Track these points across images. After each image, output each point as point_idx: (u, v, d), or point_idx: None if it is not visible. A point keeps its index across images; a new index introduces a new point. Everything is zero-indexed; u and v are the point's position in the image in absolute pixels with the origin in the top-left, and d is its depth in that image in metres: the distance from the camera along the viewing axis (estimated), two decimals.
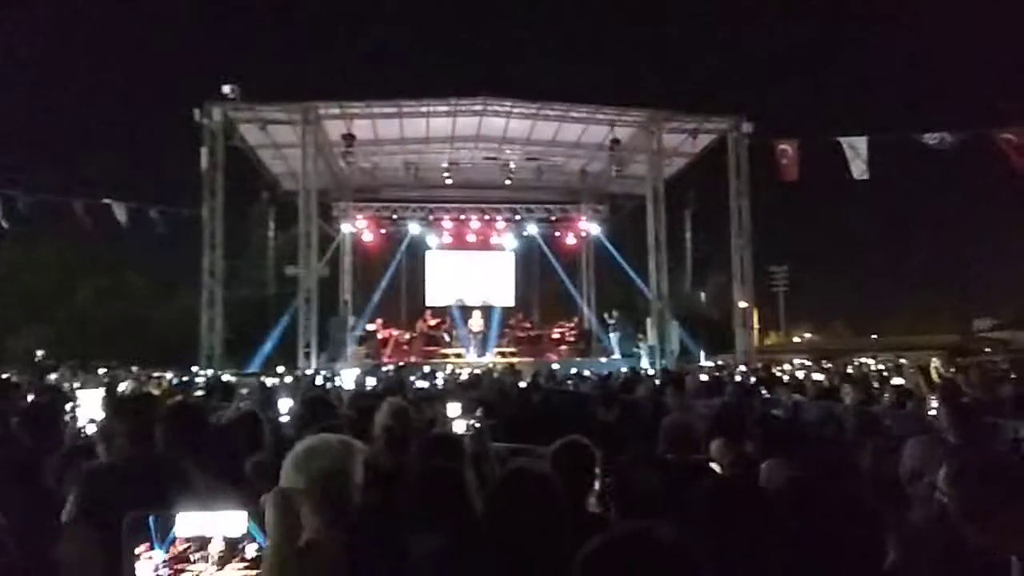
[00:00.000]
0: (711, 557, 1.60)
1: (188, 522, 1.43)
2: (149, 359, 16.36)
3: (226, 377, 13.02)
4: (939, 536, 2.08)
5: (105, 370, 14.24)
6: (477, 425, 4.39)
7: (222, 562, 1.42)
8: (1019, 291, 31.64)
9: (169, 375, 12.62)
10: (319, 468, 2.00)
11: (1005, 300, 31.04)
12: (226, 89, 18.81)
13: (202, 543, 1.43)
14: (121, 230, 19.55)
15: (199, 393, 8.77)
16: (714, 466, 3.77)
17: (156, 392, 8.40)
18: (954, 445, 2.49)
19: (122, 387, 8.42)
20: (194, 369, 14.98)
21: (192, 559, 1.43)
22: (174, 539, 1.42)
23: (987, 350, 20.80)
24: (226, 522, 1.44)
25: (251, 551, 1.43)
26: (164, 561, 1.40)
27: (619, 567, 1.38)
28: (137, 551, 1.40)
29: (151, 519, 1.42)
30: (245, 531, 1.41)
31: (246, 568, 1.41)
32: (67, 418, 3.98)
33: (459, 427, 4.64)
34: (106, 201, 18.81)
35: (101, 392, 3.66)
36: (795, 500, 2.48)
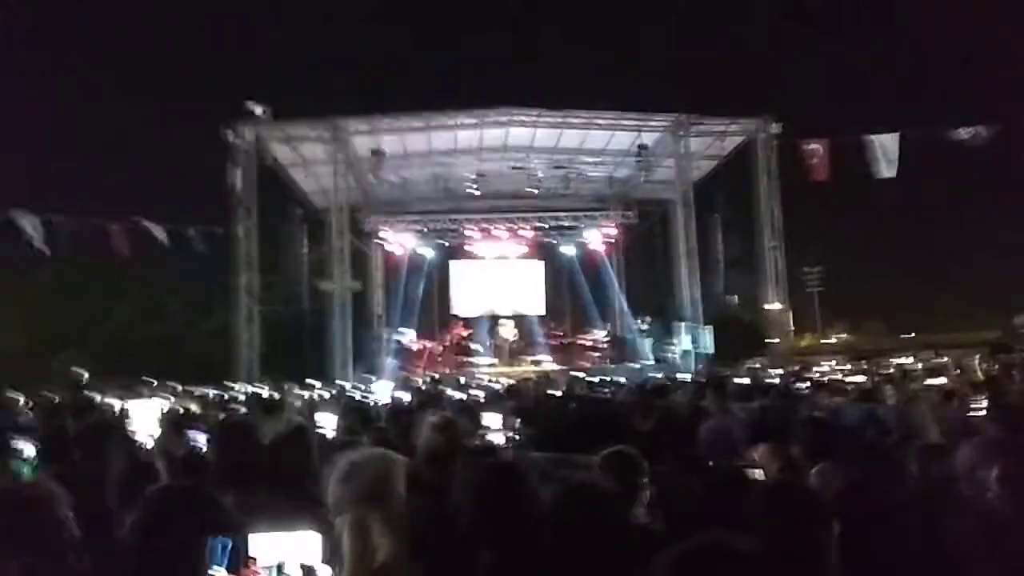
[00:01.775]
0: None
1: (262, 544, 1.46)
2: (186, 378, 16.62)
3: (264, 392, 13.20)
4: (991, 537, 2.06)
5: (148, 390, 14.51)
6: (516, 437, 4.42)
7: None
8: None
9: (210, 392, 12.82)
10: (363, 482, 2.04)
11: None
12: (256, 108, 19.15)
13: (277, 565, 1.46)
14: (156, 251, 19.95)
15: (241, 409, 8.92)
16: (758, 472, 3.76)
17: (197, 409, 8.57)
18: (1007, 446, 2.47)
19: (165, 405, 8.59)
20: (234, 385, 15.19)
21: None
22: (242, 561, 1.46)
23: None
24: (300, 542, 1.48)
25: (325, 573, 1.47)
26: None
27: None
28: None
29: (221, 541, 1.45)
30: (320, 551, 1.45)
31: None
32: (122, 436, 4.11)
33: (498, 438, 4.68)
34: (146, 223, 19.20)
35: (156, 408, 3.78)
36: (854, 507, 2.47)
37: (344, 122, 19.59)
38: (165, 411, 5.37)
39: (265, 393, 12.10)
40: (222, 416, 7.25)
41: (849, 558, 2.20)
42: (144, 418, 4.02)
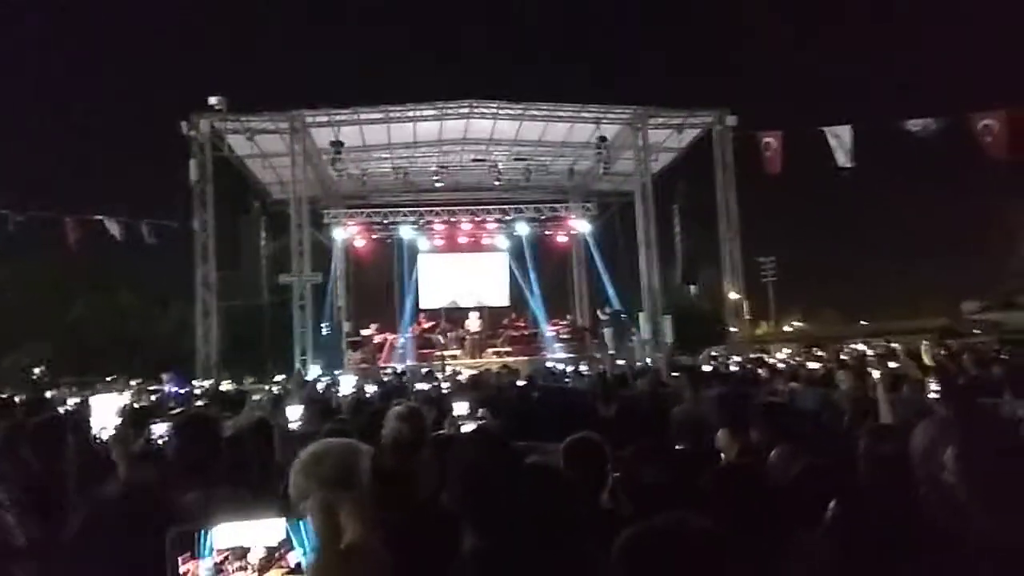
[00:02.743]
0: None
1: (225, 533, 1.45)
2: (145, 373, 16.30)
3: (226, 387, 13.03)
4: (944, 518, 2.13)
5: (105, 385, 14.22)
6: (486, 423, 4.44)
7: (262, 570, 1.44)
8: (1006, 273, 31.95)
9: (168, 388, 12.60)
10: (328, 472, 2.04)
11: (992, 282, 31.34)
12: (212, 100, 18.79)
13: (241, 553, 1.45)
14: (113, 245, 19.50)
15: (200, 404, 8.78)
16: (723, 456, 3.84)
17: (157, 404, 8.41)
18: (963, 426, 2.56)
19: (123, 400, 8.43)
20: (193, 381, 14.93)
21: (231, 569, 1.45)
22: (212, 550, 1.44)
23: (976, 332, 21.00)
24: (264, 531, 1.46)
25: (292, 558, 1.46)
26: (210, 570, 1.42)
27: (659, 557, 1.42)
28: (182, 567, 1.41)
29: (196, 532, 1.44)
30: (284, 538, 1.45)
31: (290, 574, 1.44)
32: (77, 432, 4.02)
33: (467, 428, 4.70)
34: (99, 217, 18.73)
35: (114, 402, 3.70)
36: (810, 487, 2.54)
37: (302, 114, 19.33)
38: (123, 406, 5.27)
39: (225, 387, 11.94)
40: (181, 410, 7.14)
41: (806, 536, 2.26)
42: (101, 413, 3.94)
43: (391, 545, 1.70)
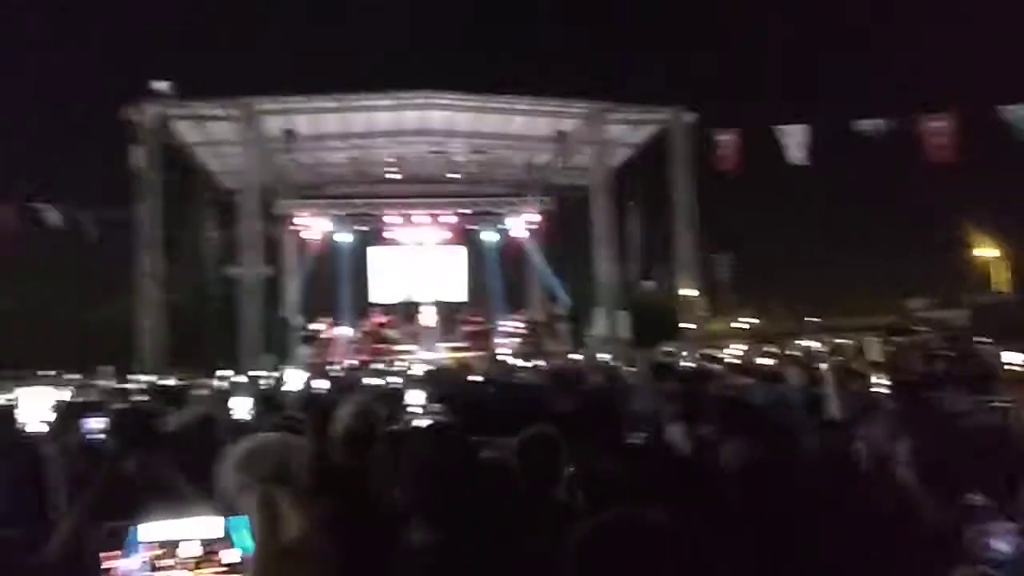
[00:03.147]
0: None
1: (157, 529, 1.38)
2: (84, 368, 15.73)
3: (168, 381, 12.64)
4: (896, 511, 2.14)
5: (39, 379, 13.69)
6: (442, 419, 4.36)
7: (198, 566, 1.37)
8: (950, 272, 33.04)
9: (108, 382, 12.17)
10: (263, 469, 1.96)
11: (937, 281, 32.39)
12: (160, 85, 18.24)
13: (174, 547, 1.38)
14: (53, 234, 18.79)
15: (141, 399, 8.49)
16: (676, 450, 3.83)
17: (97, 399, 8.10)
18: (914, 421, 2.58)
19: (63, 395, 8.10)
20: (136, 376, 14.48)
21: (164, 565, 1.37)
22: (141, 546, 1.37)
23: (920, 329, 21.64)
24: (199, 527, 1.39)
25: (227, 556, 1.38)
26: (140, 567, 1.35)
27: (612, 551, 1.38)
28: (109, 564, 1.34)
29: (124, 528, 1.37)
30: (222, 534, 1.37)
31: (225, 573, 1.36)
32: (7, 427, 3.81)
33: (421, 422, 4.61)
34: (35, 204, 18.02)
35: (49, 396, 3.51)
36: (758, 479, 2.53)
37: (253, 101, 18.88)
38: (59, 400, 5.03)
39: (169, 383, 11.60)
40: (123, 406, 6.88)
41: (754, 527, 2.24)
42: (35, 407, 3.73)
43: (336, 541, 1.62)
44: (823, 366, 8.81)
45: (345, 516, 2.38)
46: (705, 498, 2.16)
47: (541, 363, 14.76)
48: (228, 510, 1.51)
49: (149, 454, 3.12)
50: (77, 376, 13.86)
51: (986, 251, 34.44)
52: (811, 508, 2.19)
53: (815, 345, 15.12)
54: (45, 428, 3.34)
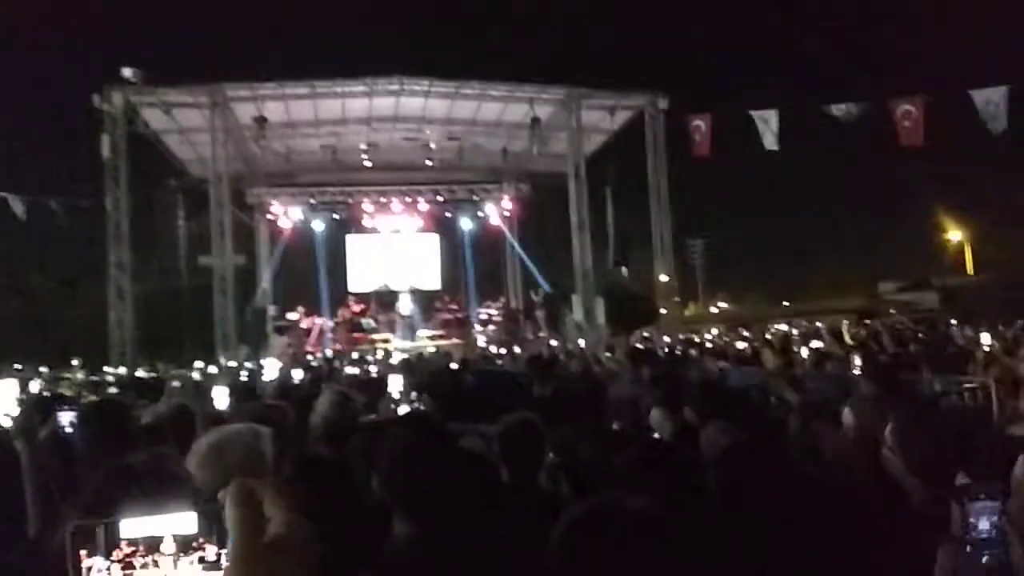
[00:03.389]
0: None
1: (134, 525, 1.33)
2: (54, 359, 15.42)
3: (142, 374, 12.46)
4: (882, 493, 2.15)
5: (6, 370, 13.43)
6: (420, 407, 4.33)
7: (175, 563, 1.33)
8: (921, 256, 33.70)
9: (80, 375, 11.97)
10: (233, 461, 1.92)
11: (908, 265, 32.96)
12: (127, 72, 17.86)
13: (151, 544, 1.33)
14: (18, 224, 18.37)
15: (114, 392, 8.34)
16: (656, 435, 3.83)
17: (68, 393, 7.95)
18: (898, 405, 2.60)
19: (32, 388, 7.94)
20: (107, 368, 14.24)
21: (140, 563, 1.33)
22: (117, 543, 1.33)
23: (892, 312, 22.01)
24: (177, 522, 1.34)
25: (207, 553, 1.34)
26: (108, 567, 1.30)
27: (595, 538, 1.38)
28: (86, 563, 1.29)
29: (98, 526, 1.32)
30: (198, 530, 1.33)
31: (204, 570, 1.32)
32: None
33: (400, 410, 4.57)
34: (3, 194, 17.59)
35: (13, 388, 3.40)
36: (738, 463, 2.53)
37: (223, 87, 18.55)
38: (26, 391, 4.91)
39: (143, 375, 11.44)
40: (93, 398, 6.75)
41: (734, 511, 2.25)
42: (2, 395, 3.62)
43: (318, 534, 1.59)
44: (800, 349, 8.94)
45: (326, 508, 2.34)
46: (687, 484, 2.15)
47: (518, 350, 14.77)
48: (202, 504, 1.47)
49: (123, 450, 3.04)
50: (47, 370, 13.60)
51: (955, 234, 35.08)
52: (795, 492, 2.19)
53: (788, 328, 15.32)
54: (9, 423, 3.23)
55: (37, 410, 4.06)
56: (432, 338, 21.83)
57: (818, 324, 13.33)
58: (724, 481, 2.37)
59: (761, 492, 2.22)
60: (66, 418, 3.61)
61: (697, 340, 13.65)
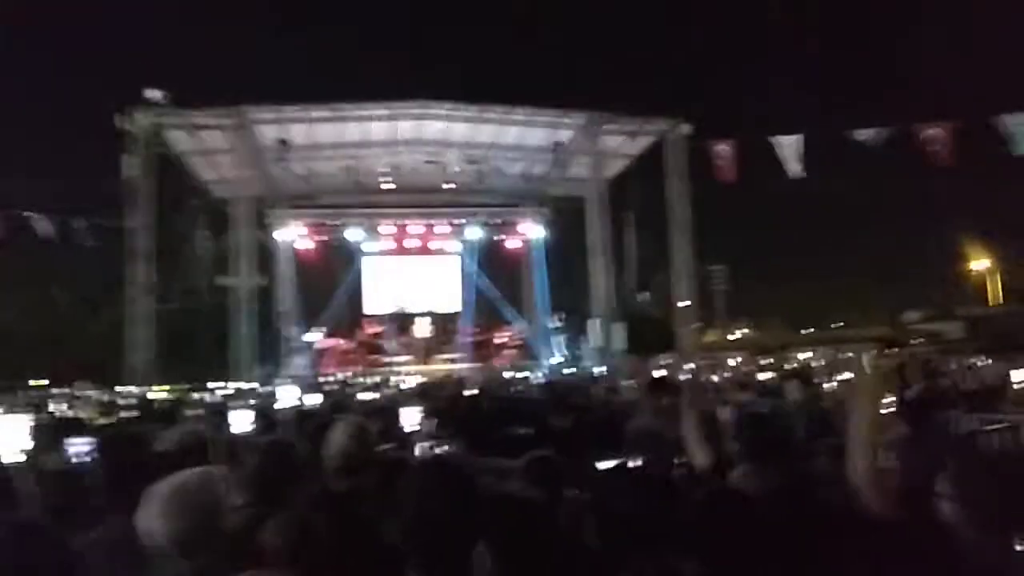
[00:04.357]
0: None
1: None
2: (72, 376, 15.46)
3: (157, 395, 12.43)
4: (938, 550, 2.01)
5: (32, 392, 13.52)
6: (446, 448, 4.19)
7: None
8: (945, 283, 33.13)
9: (98, 395, 11.96)
10: (188, 513, 1.85)
11: (931, 293, 32.45)
12: (153, 94, 18.10)
13: None
14: (44, 243, 18.56)
15: (129, 415, 8.28)
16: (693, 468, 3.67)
17: (82, 415, 7.90)
18: (952, 444, 2.45)
19: (52, 409, 7.92)
20: (126, 388, 14.25)
21: None
22: None
23: (914, 341, 21.59)
24: None
25: None
26: None
27: None
28: None
29: None
30: None
31: None
32: None
33: (420, 442, 4.44)
34: (27, 214, 17.80)
35: (26, 417, 3.32)
36: (784, 510, 2.39)
37: (247, 110, 18.75)
38: (39, 419, 4.84)
39: (156, 395, 11.40)
40: (110, 422, 6.70)
41: (782, 561, 2.10)
42: (13, 428, 3.54)
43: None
44: (821, 380, 8.70)
45: (339, 548, 2.23)
46: (730, 538, 2.01)
47: (537, 375, 14.62)
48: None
49: (139, 481, 2.94)
50: (65, 390, 13.63)
51: (980, 263, 34.51)
52: (848, 544, 2.05)
53: (811, 357, 15.02)
54: (23, 457, 3.16)
55: (49, 437, 4.00)
56: (451, 361, 21.73)
57: (847, 354, 13.04)
58: (769, 530, 2.23)
59: (811, 544, 2.08)
60: (81, 449, 3.55)
61: (723, 369, 13.42)
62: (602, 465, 3.24)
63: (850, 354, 12.40)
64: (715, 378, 10.92)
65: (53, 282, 26.17)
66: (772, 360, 15.24)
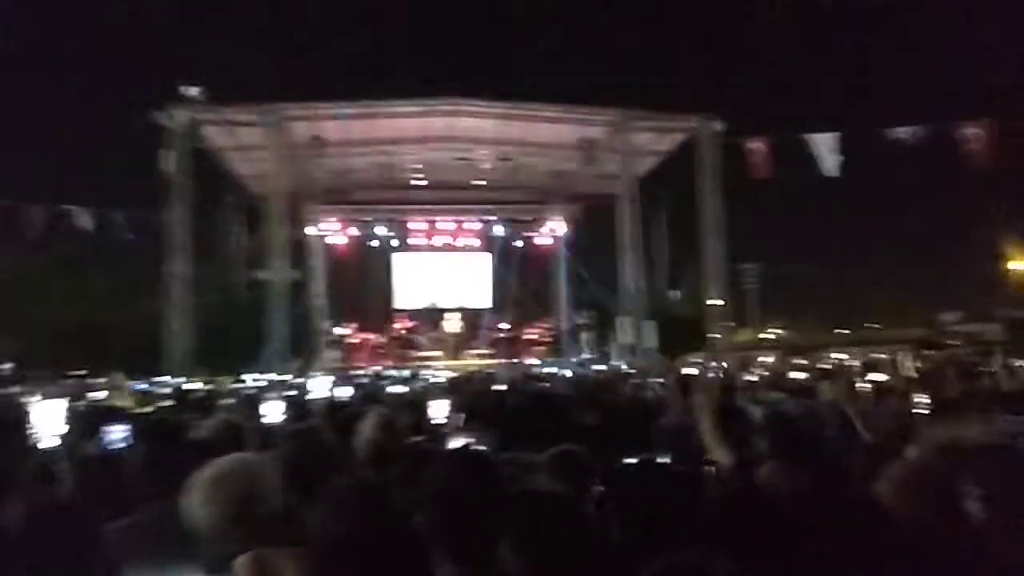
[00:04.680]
0: None
1: None
2: (111, 367, 15.82)
3: (194, 385, 12.65)
4: (970, 555, 1.98)
5: (73, 380, 13.85)
6: (474, 441, 4.23)
7: None
8: (986, 284, 32.31)
9: (136, 384, 12.20)
10: (230, 498, 1.87)
11: (972, 293, 31.73)
12: (190, 90, 18.42)
13: None
14: (83, 236, 19.05)
15: (167, 404, 8.47)
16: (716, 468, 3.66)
17: (121, 404, 8.09)
18: (983, 450, 2.41)
19: (92, 396, 8.13)
20: (163, 378, 14.54)
21: None
22: None
23: (951, 343, 21.16)
24: None
25: None
26: None
27: None
28: None
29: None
30: None
31: None
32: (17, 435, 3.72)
33: (448, 433, 4.48)
34: (67, 207, 18.28)
35: (64, 403, 3.42)
36: (813, 509, 2.38)
37: (282, 107, 19.00)
38: (78, 408, 4.98)
39: (193, 386, 11.62)
40: (146, 411, 6.86)
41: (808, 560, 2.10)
42: (51, 414, 3.64)
43: (357, 565, 1.50)
44: (857, 382, 8.55)
45: (366, 538, 2.26)
46: (756, 535, 2.01)
47: (566, 372, 14.61)
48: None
49: (176, 468, 3.02)
50: (103, 379, 13.93)
51: (1019, 264, 33.61)
52: (877, 545, 2.04)
53: (845, 358, 14.76)
54: (58, 442, 3.25)
55: (87, 425, 4.10)
56: (481, 357, 21.81)
57: (882, 355, 12.81)
58: (798, 531, 2.22)
59: (840, 545, 2.07)
60: (116, 434, 3.64)
61: (755, 368, 13.28)
62: (628, 460, 3.25)
63: (884, 355, 12.17)
64: (747, 377, 10.82)
65: (92, 275, 26.79)
66: (805, 360, 15.01)
